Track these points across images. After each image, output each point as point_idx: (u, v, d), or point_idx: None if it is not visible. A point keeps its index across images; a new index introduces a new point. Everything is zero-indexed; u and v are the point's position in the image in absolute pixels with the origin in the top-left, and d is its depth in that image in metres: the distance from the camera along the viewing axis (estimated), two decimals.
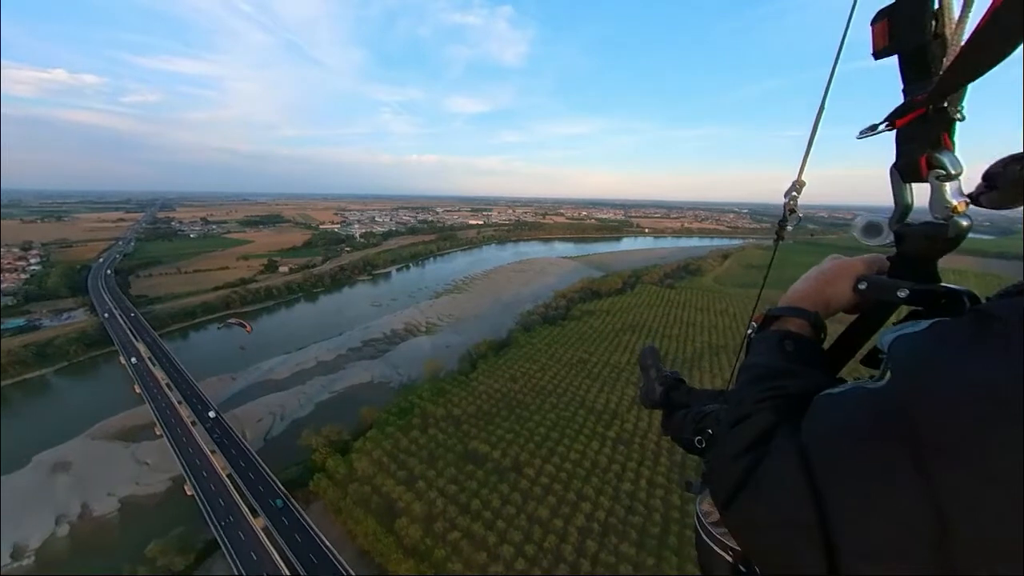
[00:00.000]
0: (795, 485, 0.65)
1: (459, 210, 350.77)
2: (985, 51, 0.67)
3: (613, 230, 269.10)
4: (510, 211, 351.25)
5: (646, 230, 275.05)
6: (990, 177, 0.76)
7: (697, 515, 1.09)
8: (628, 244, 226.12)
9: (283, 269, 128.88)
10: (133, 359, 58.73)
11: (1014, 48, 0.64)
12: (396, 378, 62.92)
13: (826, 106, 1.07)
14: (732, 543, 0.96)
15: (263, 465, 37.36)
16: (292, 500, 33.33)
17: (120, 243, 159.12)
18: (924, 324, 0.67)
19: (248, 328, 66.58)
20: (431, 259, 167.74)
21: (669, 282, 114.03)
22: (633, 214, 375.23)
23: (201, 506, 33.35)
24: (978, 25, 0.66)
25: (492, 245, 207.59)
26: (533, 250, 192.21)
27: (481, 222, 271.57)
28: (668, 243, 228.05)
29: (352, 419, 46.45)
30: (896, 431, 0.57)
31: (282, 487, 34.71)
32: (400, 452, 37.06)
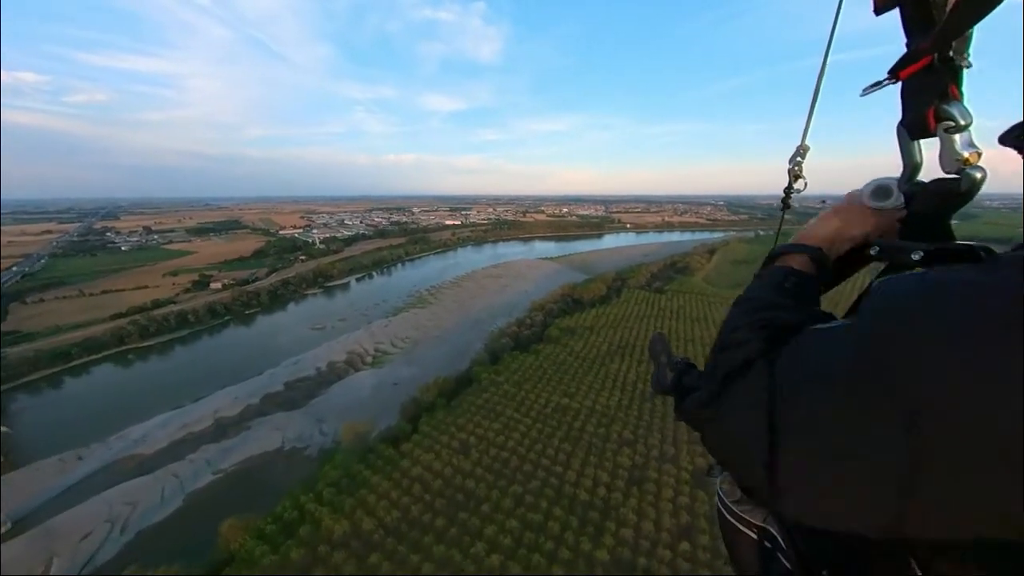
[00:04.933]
0: (755, 406, 0.65)
1: (437, 210, 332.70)
2: None
3: (595, 227, 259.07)
4: (490, 210, 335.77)
5: (628, 225, 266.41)
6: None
7: (719, 494, 1.08)
8: (610, 241, 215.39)
9: (216, 285, 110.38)
10: None
11: None
12: (317, 439, 47.27)
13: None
14: (755, 519, 0.97)
15: None
16: None
17: (25, 261, 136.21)
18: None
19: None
20: (399, 265, 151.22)
21: (658, 285, 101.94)
22: (614, 209, 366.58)
23: None
24: None
25: (468, 247, 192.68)
26: (512, 251, 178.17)
27: (459, 222, 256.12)
28: (651, 238, 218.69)
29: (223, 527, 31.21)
30: (865, 366, 0.53)
31: None
32: None
